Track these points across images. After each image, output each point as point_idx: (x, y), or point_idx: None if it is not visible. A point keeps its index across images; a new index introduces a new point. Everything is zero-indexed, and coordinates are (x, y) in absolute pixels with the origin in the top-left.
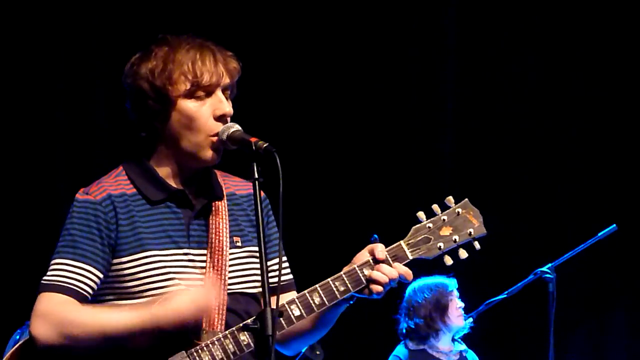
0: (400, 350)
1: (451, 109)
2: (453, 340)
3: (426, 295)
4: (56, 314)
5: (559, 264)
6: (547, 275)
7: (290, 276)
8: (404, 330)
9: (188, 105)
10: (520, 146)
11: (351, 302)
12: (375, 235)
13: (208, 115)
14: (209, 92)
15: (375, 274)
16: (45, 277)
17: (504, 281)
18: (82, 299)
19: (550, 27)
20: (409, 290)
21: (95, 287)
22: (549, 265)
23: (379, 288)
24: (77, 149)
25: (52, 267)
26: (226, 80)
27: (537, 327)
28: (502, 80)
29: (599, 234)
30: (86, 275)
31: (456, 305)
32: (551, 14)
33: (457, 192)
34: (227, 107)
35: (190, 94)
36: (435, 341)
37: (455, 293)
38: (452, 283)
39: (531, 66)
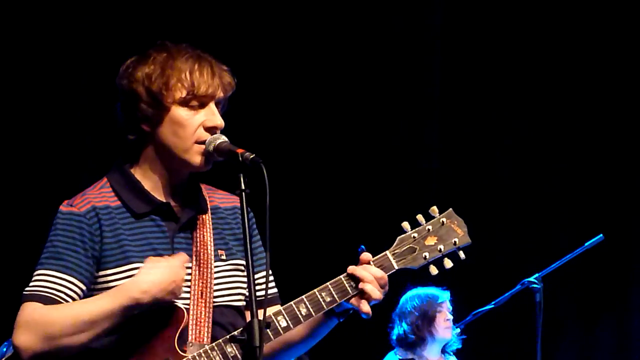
0: (389, 358)
1: (438, 119)
2: (444, 352)
3: (415, 303)
4: (35, 319)
5: (546, 274)
6: (535, 285)
7: (275, 290)
8: (394, 337)
9: (180, 112)
10: (507, 156)
11: (341, 320)
12: (363, 246)
13: (198, 124)
14: (202, 102)
15: (359, 271)
16: (27, 288)
17: (491, 291)
18: None
19: (539, 38)
20: (402, 298)
21: (77, 298)
22: (536, 275)
23: (367, 287)
24: (64, 160)
25: (35, 277)
26: (220, 94)
27: (525, 337)
28: (490, 89)
29: (586, 244)
30: (68, 287)
31: (445, 317)
32: (540, 20)
33: (444, 202)
34: (219, 120)
35: (184, 102)
36: (423, 351)
37: (447, 305)
38: (443, 295)
39: (519, 75)
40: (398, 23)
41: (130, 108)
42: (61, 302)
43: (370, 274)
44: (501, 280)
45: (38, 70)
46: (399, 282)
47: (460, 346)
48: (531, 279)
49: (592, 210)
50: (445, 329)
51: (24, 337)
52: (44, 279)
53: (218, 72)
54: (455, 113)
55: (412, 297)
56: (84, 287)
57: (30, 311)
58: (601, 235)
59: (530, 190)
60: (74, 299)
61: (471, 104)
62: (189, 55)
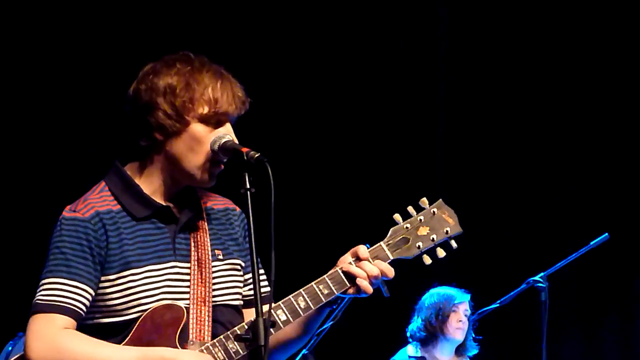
0: (400, 356)
1: (442, 116)
2: (460, 355)
3: (433, 300)
4: (56, 340)
5: (552, 272)
6: (540, 284)
7: (268, 289)
8: (408, 333)
9: (200, 129)
10: (512, 154)
11: (334, 307)
12: (368, 245)
13: None
14: (220, 121)
15: (354, 269)
16: (40, 297)
17: (497, 290)
18: (78, 318)
19: (543, 34)
20: (424, 295)
21: (88, 305)
22: (542, 274)
23: (362, 283)
24: (64, 162)
25: (46, 286)
26: (237, 113)
27: (530, 336)
28: (494, 86)
29: (591, 243)
30: (81, 294)
31: (458, 317)
32: (545, 18)
33: (448, 201)
34: (234, 140)
35: (204, 119)
36: (435, 349)
37: (464, 307)
38: (462, 296)
39: (524, 72)
40: (400, 22)
41: (144, 115)
42: (77, 311)
43: (363, 271)
44: (506, 279)
45: (39, 72)
46: (423, 281)
47: (477, 351)
48: (536, 278)
49: (597, 209)
50: (457, 329)
51: (41, 355)
52: (57, 287)
53: (237, 91)
54: (459, 111)
55: (432, 294)
56: (93, 293)
57: (48, 324)
58: (606, 234)
59: (535, 189)
60: (86, 306)
61: (475, 102)
62: (212, 72)
